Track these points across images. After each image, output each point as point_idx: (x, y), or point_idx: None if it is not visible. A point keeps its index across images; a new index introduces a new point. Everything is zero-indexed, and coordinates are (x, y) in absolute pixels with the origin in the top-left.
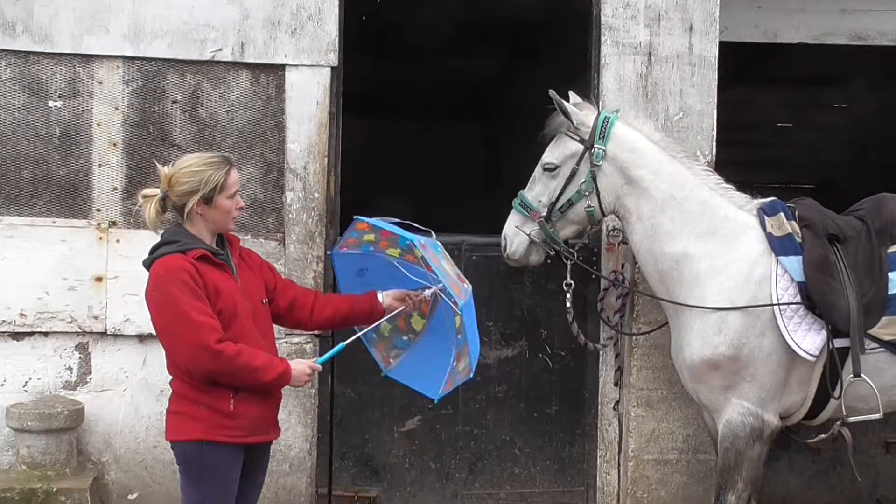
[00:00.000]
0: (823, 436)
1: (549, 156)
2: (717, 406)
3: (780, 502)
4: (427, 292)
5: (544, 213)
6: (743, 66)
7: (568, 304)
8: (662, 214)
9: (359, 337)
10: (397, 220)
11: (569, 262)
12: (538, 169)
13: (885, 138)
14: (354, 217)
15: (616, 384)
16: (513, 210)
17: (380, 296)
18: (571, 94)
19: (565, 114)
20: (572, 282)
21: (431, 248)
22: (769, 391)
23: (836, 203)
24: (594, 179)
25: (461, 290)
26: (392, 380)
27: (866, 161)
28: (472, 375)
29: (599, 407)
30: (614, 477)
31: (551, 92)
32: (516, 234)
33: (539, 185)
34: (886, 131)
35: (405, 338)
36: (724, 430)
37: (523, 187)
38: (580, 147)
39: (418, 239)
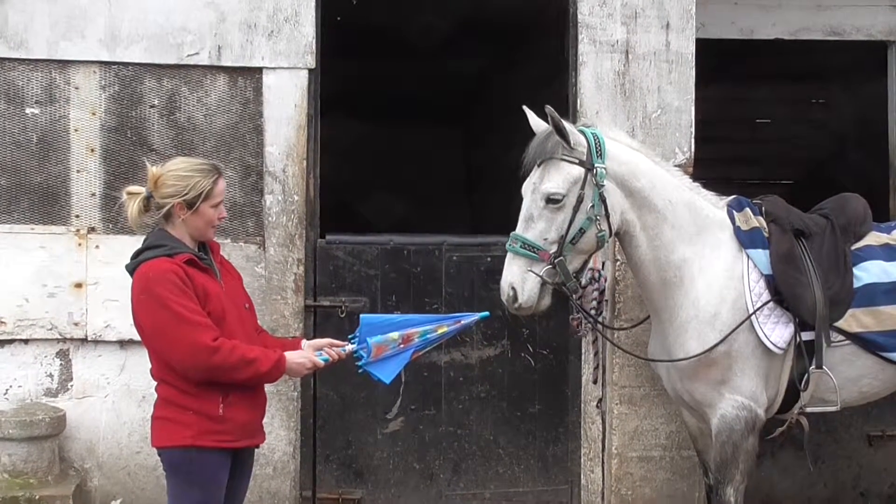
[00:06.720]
0: (781, 428)
1: (552, 185)
2: (711, 402)
3: (763, 497)
4: (348, 347)
5: (554, 250)
6: (722, 63)
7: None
8: (664, 222)
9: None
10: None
11: (575, 296)
12: (537, 203)
13: (863, 134)
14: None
15: (595, 381)
16: (511, 256)
17: (303, 343)
18: (526, 109)
19: (561, 133)
20: (580, 316)
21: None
22: (758, 384)
23: (815, 198)
24: (603, 202)
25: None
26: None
27: (844, 157)
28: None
29: (582, 405)
30: (598, 475)
31: (548, 108)
32: (526, 279)
33: (541, 221)
34: (864, 127)
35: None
36: (720, 424)
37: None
38: (581, 170)
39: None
